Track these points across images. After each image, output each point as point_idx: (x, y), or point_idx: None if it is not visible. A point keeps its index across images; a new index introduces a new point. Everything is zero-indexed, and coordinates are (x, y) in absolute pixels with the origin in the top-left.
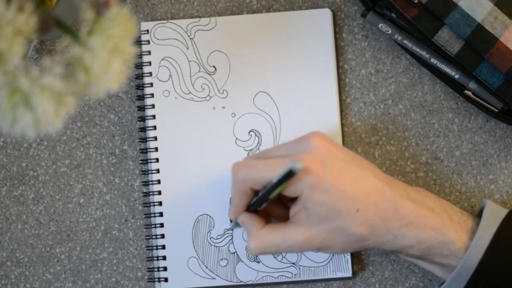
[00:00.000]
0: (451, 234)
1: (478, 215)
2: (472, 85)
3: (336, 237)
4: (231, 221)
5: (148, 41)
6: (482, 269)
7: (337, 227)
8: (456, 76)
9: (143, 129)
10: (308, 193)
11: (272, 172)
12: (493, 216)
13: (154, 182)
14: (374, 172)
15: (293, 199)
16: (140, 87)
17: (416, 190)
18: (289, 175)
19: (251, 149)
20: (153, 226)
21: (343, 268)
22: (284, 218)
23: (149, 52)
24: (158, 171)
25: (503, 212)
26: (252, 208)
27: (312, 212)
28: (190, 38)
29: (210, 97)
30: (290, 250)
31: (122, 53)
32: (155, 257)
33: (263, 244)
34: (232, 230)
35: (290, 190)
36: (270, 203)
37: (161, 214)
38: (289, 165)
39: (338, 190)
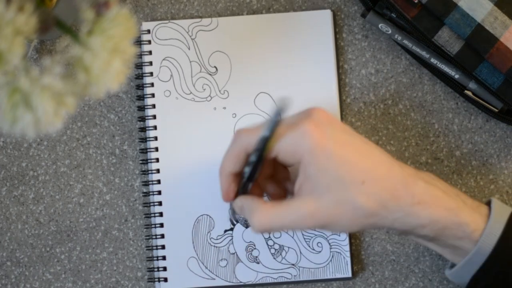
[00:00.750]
0: (465, 215)
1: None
2: (472, 85)
3: (342, 211)
4: (231, 221)
5: (149, 41)
6: (497, 254)
7: (343, 198)
8: (456, 76)
9: (143, 129)
10: (308, 157)
11: (282, 135)
12: (503, 207)
13: (154, 182)
14: (384, 152)
15: (289, 180)
16: (141, 87)
17: (427, 174)
18: (275, 123)
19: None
20: (153, 226)
21: (343, 269)
22: (282, 198)
23: (150, 52)
24: (158, 171)
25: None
26: (243, 187)
27: (315, 180)
28: (192, 39)
29: (211, 98)
30: (295, 226)
31: (122, 53)
32: (155, 257)
33: (268, 219)
34: (233, 226)
35: (289, 154)
36: (260, 167)
37: (161, 214)
38: (276, 107)
39: (341, 158)
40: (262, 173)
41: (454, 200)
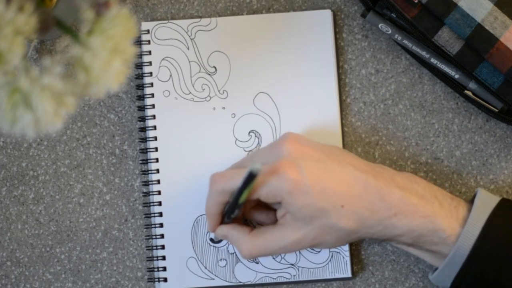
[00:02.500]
0: (441, 221)
1: (470, 201)
2: (472, 85)
3: (326, 233)
4: (212, 240)
5: (149, 41)
6: (475, 256)
7: (325, 224)
8: (456, 76)
9: (143, 129)
10: (288, 198)
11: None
12: (485, 204)
13: (154, 182)
14: (355, 165)
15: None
16: (140, 87)
17: (404, 176)
18: (250, 177)
19: (251, 150)
20: (153, 226)
21: (343, 269)
22: (271, 222)
23: (150, 52)
24: (158, 171)
25: (495, 199)
26: (226, 218)
27: (297, 215)
28: (191, 39)
29: (210, 98)
30: (283, 251)
31: (122, 53)
32: (155, 257)
33: (256, 248)
34: (216, 243)
35: (270, 197)
36: (241, 208)
37: (160, 214)
38: (248, 168)
39: (319, 189)
40: (247, 206)
41: (431, 205)
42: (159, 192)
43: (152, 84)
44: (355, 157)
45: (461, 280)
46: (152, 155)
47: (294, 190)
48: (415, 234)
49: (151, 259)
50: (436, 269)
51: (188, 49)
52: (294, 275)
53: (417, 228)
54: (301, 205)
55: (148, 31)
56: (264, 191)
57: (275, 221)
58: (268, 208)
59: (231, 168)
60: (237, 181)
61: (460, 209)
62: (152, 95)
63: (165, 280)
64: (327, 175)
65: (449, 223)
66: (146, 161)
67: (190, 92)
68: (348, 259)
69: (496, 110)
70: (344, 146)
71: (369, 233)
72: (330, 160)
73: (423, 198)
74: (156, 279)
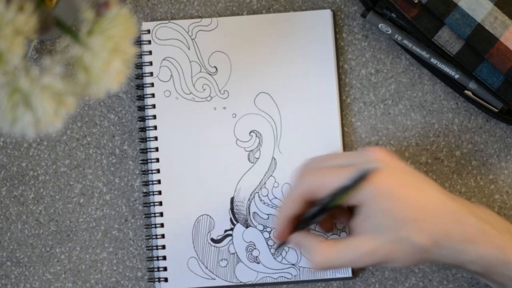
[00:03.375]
0: (511, 254)
1: None
2: (472, 85)
3: (399, 248)
4: (276, 250)
5: (149, 41)
6: None
7: (400, 237)
8: (456, 76)
9: (143, 129)
10: (372, 201)
11: (341, 179)
12: None
13: (154, 182)
14: (437, 187)
15: (341, 213)
16: (141, 87)
17: (478, 207)
18: (361, 177)
19: (251, 150)
20: (153, 226)
21: (343, 269)
22: (328, 229)
23: (150, 52)
24: (158, 171)
25: None
26: (304, 224)
27: (375, 221)
28: (192, 39)
29: (211, 98)
30: (353, 263)
31: (122, 53)
32: (155, 257)
33: (326, 257)
34: (276, 250)
35: (354, 199)
36: (325, 214)
37: (161, 214)
38: (362, 167)
39: (401, 198)
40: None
41: (503, 237)
42: (159, 192)
43: (152, 84)
44: (435, 182)
45: None
46: (153, 155)
47: (379, 194)
48: (485, 263)
49: (151, 259)
50: None
51: (189, 49)
52: (295, 275)
53: (488, 257)
54: (382, 210)
55: (148, 31)
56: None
57: (330, 229)
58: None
59: (307, 166)
60: (330, 180)
61: None
62: (153, 95)
63: (166, 280)
64: (411, 187)
65: None
66: (146, 161)
67: (191, 92)
68: None
69: (496, 110)
70: (344, 146)
71: (441, 255)
72: (415, 175)
73: (496, 229)
74: (157, 279)
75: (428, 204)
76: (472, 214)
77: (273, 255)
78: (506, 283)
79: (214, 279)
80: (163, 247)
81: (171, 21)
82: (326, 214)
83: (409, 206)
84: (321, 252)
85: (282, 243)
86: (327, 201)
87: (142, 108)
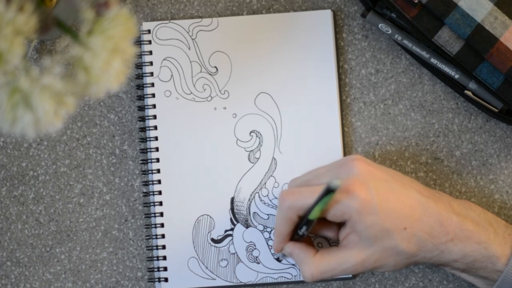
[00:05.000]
0: (495, 248)
1: None
2: (472, 85)
3: (387, 256)
4: (278, 259)
5: (150, 41)
6: None
7: (388, 246)
8: (456, 76)
9: (143, 129)
10: (356, 217)
11: (315, 196)
12: None
13: (154, 182)
14: (417, 189)
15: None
16: (141, 87)
17: (460, 203)
18: (328, 192)
19: (251, 150)
20: (153, 226)
21: None
22: (333, 236)
23: (151, 52)
24: (158, 171)
25: None
26: (297, 235)
27: (363, 234)
28: (192, 39)
29: (212, 98)
30: (344, 273)
31: (122, 53)
32: (155, 257)
33: (319, 270)
34: (279, 259)
35: (337, 215)
36: (313, 225)
37: (161, 214)
38: (327, 183)
39: (386, 210)
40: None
41: (486, 232)
42: (160, 192)
43: (153, 84)
44: (415, 181)
45: None
46: (153, 155)
47: (363, 209)
48: (469, 260)
49: (151, 259)
50: None
51: (189, 49)
52: (295, 275)
53: (471, 253)
54: (368, 224)
55: (149, 31)
56: (333, 209)
57: (336, 234)
58: (330, 223)
59: (292, 183)
60: (307, 197)
61: None
62: (153, 95)
63: (166, 280)
64: (393, 196)
65: (502, 250)
66: (146, 161)
67: (191, 92)
68: None
69: (496, 110)
70: (344, 146)
71: (426, 257)
72: (396, 182)
73: (478, 224)
74: (157, 279)
75: (412, 210)
76: (453, 212)
77: (277, 260)
78: (492, 276)
79: (214, 279)
80: (163, 247)
81: (171, 21)
82: (308, 227)
83: (394, 217)
84: (312, 267)
85: (281, 254)
86: (306, 215)
87: (142, 108)
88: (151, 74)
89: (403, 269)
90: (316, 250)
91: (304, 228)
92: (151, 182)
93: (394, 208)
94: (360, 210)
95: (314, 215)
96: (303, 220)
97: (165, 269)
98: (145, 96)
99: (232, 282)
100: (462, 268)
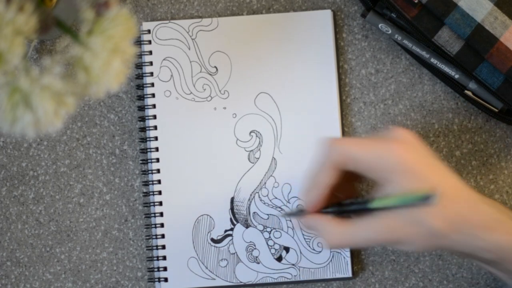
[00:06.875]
0: None
1: None
2: (472, 85)
3: (416, 231)
4: (286, 217)
5: (150, 41)
6: None
7: (419, 219)
8: (456, 76)
9: (143, 129)
10: (396, 177)
11: (371, 149)
12: None
13: (154, 182)
14: (452, 172)
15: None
16: (141, 87)
17: (489, 199)
18: (417, 197)
19: (251, 150)
20: (153, 226)
21: (343, 269)
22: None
23: (151, 52)
24: (158, 171)
25: None
26: (333, 209)
27: None
28: (192, 39)
29: (211, 98)
30: (369, 242)
31: (122, 53)
32: (155, 257)
33: (344, 236)
34: (284, 216)
35: (372, 169)
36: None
37: (161, 214)
38: (423, 190)
39: (424, 179)
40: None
41: None
42: (160, 192)
43: (153, 84)
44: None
45: None
46: (153, 155)
47: (404, 171)
48: (501, 251)
49: (151, 259)
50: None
51: (189, 49)
52: (295, 275)
53: (504, 244)
54: (402, 186)
55: (149, 31)
56: (369, 160)
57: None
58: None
59: (328, 140)
60: (361, 146)
61: None
62: (153, 95)
63: (166, 280)
64: (435, 170)
65: None
66: (146, 161)
67: (191, 92)
68: (349, 259)
69: (496, 110)
70: None
71: (455, 240)
72: (435, 157)
73: (509, 217)
74: (157, 279)
75: (447, 188)
76: (487, 203)
77: (277, 259)
78: None
79: (214, 279)
80: (163, 247)
81: (171, 21)
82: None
83: (431, 187)
84: (336, 233)
85: (296, 214)
86: (373, 206)
87: (142, 108)
88: (151, 74)
89: (426, 251)
90: (339, 219)
91: (352, 209)
92: (151, 182)
93: (431, 180)
94: (401, 172)
95: (382, 203)
96: (361, 206)
97: (165, 269)
98: (145, 96)
99: (232, 282)
100: (493, 259)
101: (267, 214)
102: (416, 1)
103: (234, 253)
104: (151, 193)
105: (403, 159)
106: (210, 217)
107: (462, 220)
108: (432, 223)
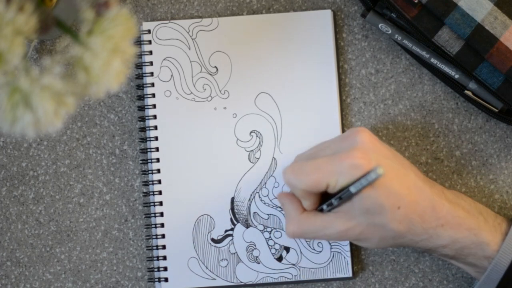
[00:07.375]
0: (485, 235)
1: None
2: (472, 85)
3: (374, 231)
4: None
5: (150, 41)
6: None
7: (377, 222)
8: (456, 76)
9: (144, 129)
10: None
11: (320, 173)
12: None
13: (155, 182)
14: (415, 172)
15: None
16: (141, 87)
17: (452, 192)
18: (370, 181)
19: (252, 150)
20: (153, 226)
21: (343, 269)
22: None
23: (151, 52)
24: (158, 171)
25: None
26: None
27: (356, 204)
28: (192, 39)
29: (212, 98)
30: (326, 238)
31: (122, 53)
32: (155, 257)
33: (301, 229)
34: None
35: (333, 182)
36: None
37: (161, 214)
38: (373, 169)
39: (384, 185)
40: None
41: (476, 219)
42: (160, 192)
43: (153, 84)
44: (414, 166)
45: None
46: (153, 155)
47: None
48: (459, 246)
49: (151, 259)
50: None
51: (189, 49)
52: (295, 275)
53: (461, 240)
54: (365, 195)
55: (149, 31)
56: (334, 179)
57: (315, 202)
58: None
59: (298, 158)
60: (309, 174)
61: (503, 226)
62: (153, 95)
63: (166, 280)
64: (392, 174)
65: (492, 238)
66: (146, 161)
67: (191, 92)
68: (349, 259)
69: (496, 110)
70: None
71: (413, 240)
72: (396, 161)
73: (469, 212)
74: (157, 279)
75: (408, 190)
76: (446, 199)
77: (277, 259)
78: (481, 263)
79: (215, 279)
80: (164, 247)
81: (171, 21)
82: (332, 206)
83: (390, 195)
84: (296, 223)
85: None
86: (334, 195)
87: (142, 108)
88: (151, 74)
89: (386, 248)
90: (304, 209)
91: (325, 206)
92: (151, 182)
93: (392, 186)
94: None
95: (346, 195)
96: (327, 197)
97: (165, 269)
98: (145, 96)
99: (232, 282)
100: (451, 254)
101: (268, 214)
102: (416, 1)
103: (234, 253)
104: (151, 193)
105: (356, 172)
106: (211, 217)
107: (420, 220)
108: (392, 226)
